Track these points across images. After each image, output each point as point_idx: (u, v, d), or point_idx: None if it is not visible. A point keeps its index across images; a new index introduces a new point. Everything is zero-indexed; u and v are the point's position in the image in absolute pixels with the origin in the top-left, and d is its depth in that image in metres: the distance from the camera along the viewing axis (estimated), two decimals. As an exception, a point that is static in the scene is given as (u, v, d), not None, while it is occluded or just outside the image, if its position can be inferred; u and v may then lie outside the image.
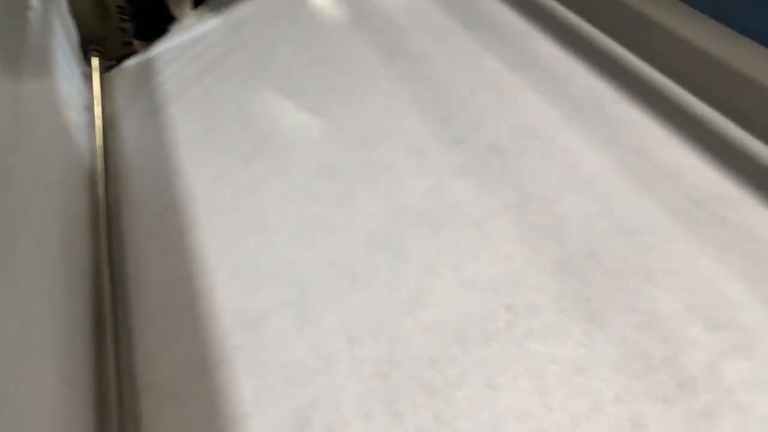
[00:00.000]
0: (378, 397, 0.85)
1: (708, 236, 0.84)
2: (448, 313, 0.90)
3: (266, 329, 0.99)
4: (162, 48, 1.92)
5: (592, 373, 0.78)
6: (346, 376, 0.89)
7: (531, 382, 0.80)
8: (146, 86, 1.75)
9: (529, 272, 0.89)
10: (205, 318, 1.05)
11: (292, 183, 1.17)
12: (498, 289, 0.89)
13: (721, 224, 0.85)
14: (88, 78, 2.01)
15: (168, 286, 1.17)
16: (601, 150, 1.00)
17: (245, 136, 1.30)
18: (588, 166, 0.99)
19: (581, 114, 1.06)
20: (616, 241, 0.87)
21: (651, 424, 0.72)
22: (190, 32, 1.87)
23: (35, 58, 1.37)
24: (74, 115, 1.59)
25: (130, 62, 2.02)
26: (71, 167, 1.40)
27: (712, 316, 0.77)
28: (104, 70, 2.14)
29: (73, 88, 1.71)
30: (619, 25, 1.16)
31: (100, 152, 1.63)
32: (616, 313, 0.81)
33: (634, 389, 0.76)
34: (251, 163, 1.24)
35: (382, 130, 1.19)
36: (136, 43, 2.26)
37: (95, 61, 2.12)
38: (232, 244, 1.13)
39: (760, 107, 0.94)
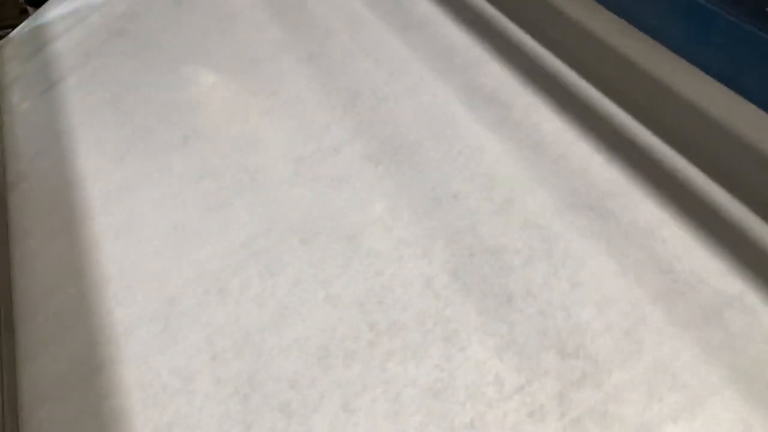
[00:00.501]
0: (236, 419, 0.82)
1: (566, 260, 0.83)
2: (312, 331, 0.87)
3: (130, 344, 0.94)
4: (55, 13, 1.80)
5: (447, 397, 0.77)
6: (205, 397, 0.86)
7: (388, 406, 0.78)
8: (38, 59, 1.64)
9: (395, 290, 0.87)
10: (71, 331, 1.00)
11: (165, 186, 1.11)
12: (363, 307, 0.87)
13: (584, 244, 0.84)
14: (-24, 49, 1.87)
15: (47, 290, 1.11)
16: (486, 150, 0.98)
17: (122, 131, 1.24)
18: (463, 178, 0.96)
19: (479, 113, 1.04)
20: (480, 259, 0.86)
21: (499, 453, 0.71)
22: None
23: None
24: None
25: (21, 29, 1.89)
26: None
27: (565, 344, 0.76)
28: (-5, 39, 2.00)
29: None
30: (534, 18, 1.13)
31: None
32: (474, 335, 0.80)
33: (486, 416, 0.75)
34: (125, 161, 1.18)
35: (262, 133, 1.14)
36: (31, 10, 2.13)
37: (-16, 30, 1.98)
38: (102, 250, 1.07)
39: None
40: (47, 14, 1.83)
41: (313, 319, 0.88)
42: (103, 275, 1.06)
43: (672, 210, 0.84)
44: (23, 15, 2.29)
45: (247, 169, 1.10)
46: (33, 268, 1.17)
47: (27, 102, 1.56)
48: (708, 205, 0.83)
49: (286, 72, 1.25)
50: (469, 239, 0.89)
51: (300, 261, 0.95)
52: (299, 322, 0.89)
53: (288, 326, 0.89)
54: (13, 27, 2.02)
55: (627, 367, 0.73)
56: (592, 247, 0.83)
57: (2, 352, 1.06)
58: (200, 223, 1.04)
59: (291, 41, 1.31)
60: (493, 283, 0.84)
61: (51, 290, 1.10)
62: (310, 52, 1.26)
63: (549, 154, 0.95)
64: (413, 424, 0.76)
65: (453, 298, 0.84)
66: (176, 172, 1.12)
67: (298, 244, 0.97)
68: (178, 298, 0.97)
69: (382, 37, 1.23)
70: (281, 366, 0.85)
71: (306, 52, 1.27)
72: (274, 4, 1.40)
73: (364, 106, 1.13)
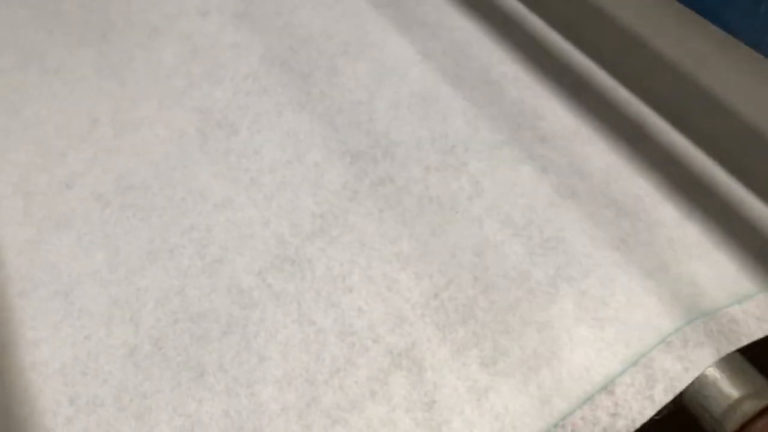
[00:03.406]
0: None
1: (259, 331, 0.79)
2: (13, 402, 0.80)
3: None
4: None
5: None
6: None
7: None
8: None
9: (100, 359, 0.81)
10: None
11: None
12: (67, 377, 0.80)
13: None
14: None
15: None
16: (208, 199, 0.91)
17: None
18: (182, 230, 0.89)
19: (208, 150, 0.95)
20: (183, 326, 0.80)
21: None
22: None
23: None
24: None
25: None
26: None
27: (244, 427, 0.73)
28: None
29: None
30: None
31: None
32: (164, 413, 0.75)
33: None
34: None
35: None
36: None
37: None
38: None
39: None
40: None
41: (15, 389, 0.81)
42: None
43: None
44: None
45: (-24, 203, 0.99)
46: None
47: None
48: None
49: (33, 84, 1.11)
50: (176, 302, 0.83)
51: (14, 318, 0.87)
52: (2, 393, 0.81)
53: (-7, 395, 0.81)
54: None
55: (292, 456, 0.70)
56: (285, 315, 0.79)
57: None
58: None
59: (44, 47, 1.16)
60: (190, 355, 0.79)
61: None
62: (59, 63, 1.12)
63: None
64: None
65: (152, 371, 0.79)
66: None
67: (16, 298, 0.88)
68: None
69: (134, 51, 1.11)
70: (-20, 443, 0.78)
71: (55, 62, 1.13)
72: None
73: (103, 133, 1.02)
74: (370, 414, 0.70)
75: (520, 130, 0.91)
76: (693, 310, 0.68)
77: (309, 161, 0.89)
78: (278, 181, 0.88)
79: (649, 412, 0.64)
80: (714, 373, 0.63)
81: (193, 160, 0.95)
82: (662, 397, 0.65)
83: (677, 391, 0.62)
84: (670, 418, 0.65)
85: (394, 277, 0.77)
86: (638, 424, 0.62)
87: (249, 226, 0.86)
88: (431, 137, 0.89)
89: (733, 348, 0.64)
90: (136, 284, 0.86)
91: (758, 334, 0.65)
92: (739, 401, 0.60)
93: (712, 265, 0.72)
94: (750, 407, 0.60)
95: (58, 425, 0.78)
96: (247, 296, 0.81)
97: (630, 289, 0.71)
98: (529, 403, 0.66)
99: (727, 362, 0.63)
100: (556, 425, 0.64)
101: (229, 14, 1.08)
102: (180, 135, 0.97)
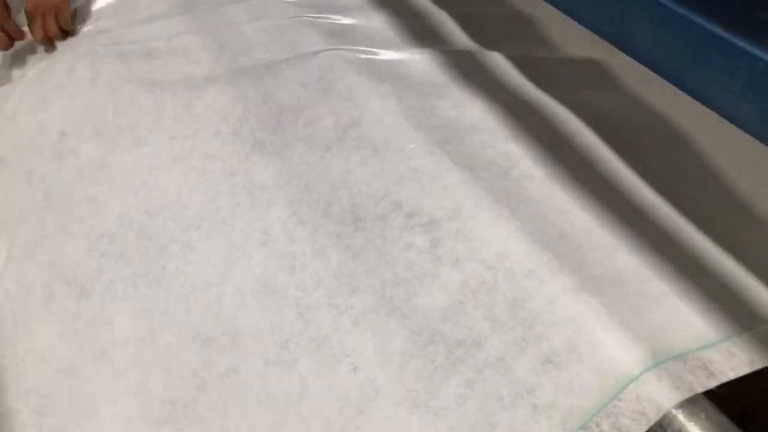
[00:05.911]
0: None
1: None
2: None
3: None
4: None
5: None
6: None
7: None
8: None
9: None
10: None
11: None
12: None
13: None
14: None
15: None
16: None
17: None
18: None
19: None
20: None
21: None
22: None
23: None
24: None
25: None
26: None
27: None
28: None
29: None
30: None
31: None
32: None
33: None
34: None
35: None
36: None
37: None
38: None
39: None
40: None
41: None
42: None
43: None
44: None
45: None
46: None
47: None
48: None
49: None
50: None
51: None
52: None
53: None
54: None
55: None
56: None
57: None
58: None
59: None
60: None
61: None
62: None
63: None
64: None
65: None
66: None
67: None
68: None
69: None
70: None
71: None
72: None
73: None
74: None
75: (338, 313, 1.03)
76: None
77: (162, 342, 0.95)
78: (130, 358, 0.92)
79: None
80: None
81: (35, 316, 0.94)
82: None
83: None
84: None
85: (234, 480, 0.86)
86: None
87: (94, 402, 0.89)
88: (271, 328, 1.00)
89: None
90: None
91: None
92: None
93: None
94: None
95: None
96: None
97: None
98: None
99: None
100: None
101: (85, 161, 1.08)
102: (28, 289, 0.95)
